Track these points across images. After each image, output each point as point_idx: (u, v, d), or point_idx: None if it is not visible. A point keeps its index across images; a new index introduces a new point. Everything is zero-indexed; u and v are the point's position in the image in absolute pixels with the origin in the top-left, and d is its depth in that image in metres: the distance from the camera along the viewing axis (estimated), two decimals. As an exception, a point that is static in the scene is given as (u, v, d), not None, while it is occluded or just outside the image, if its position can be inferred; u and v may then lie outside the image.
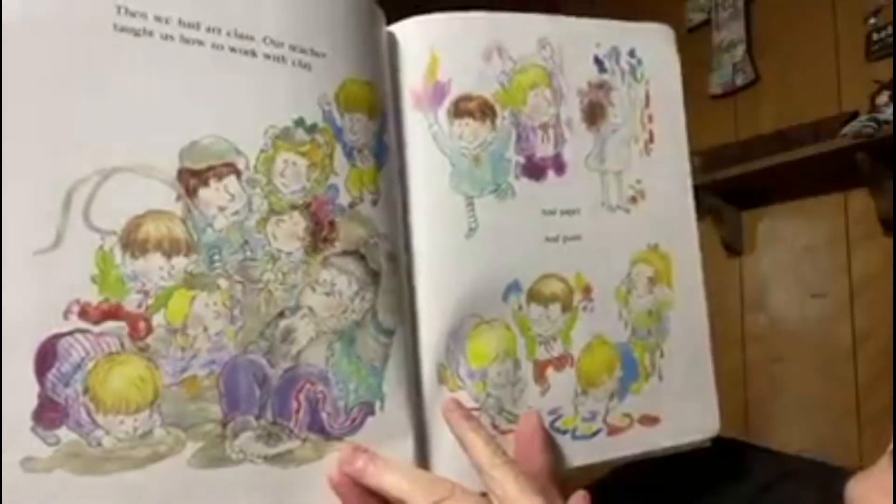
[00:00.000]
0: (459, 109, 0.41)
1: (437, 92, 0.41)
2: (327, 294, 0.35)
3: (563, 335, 0.42)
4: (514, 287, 0.41)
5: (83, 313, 0.30)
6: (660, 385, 0.44)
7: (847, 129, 1.51)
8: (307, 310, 0.35)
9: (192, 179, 0.32)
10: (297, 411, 0.34)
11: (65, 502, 0.29)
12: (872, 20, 1.61)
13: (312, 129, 0.36)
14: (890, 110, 1.47)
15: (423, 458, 0.38)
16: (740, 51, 1.89)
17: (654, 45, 0.48)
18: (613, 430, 0.43)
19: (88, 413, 0.30)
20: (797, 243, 1.78)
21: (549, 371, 0.42)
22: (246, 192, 0.34)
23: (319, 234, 0.35)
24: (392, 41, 0.42)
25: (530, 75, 0.43)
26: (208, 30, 0.33)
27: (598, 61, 0.45)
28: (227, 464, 0.32)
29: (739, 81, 1.89)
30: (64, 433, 0.29)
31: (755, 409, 1.83)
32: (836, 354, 1.65)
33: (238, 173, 0.34)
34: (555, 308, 0.42)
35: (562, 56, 0.44)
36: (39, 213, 0.30)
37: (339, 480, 0.35)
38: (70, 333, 0.30)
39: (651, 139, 0.46)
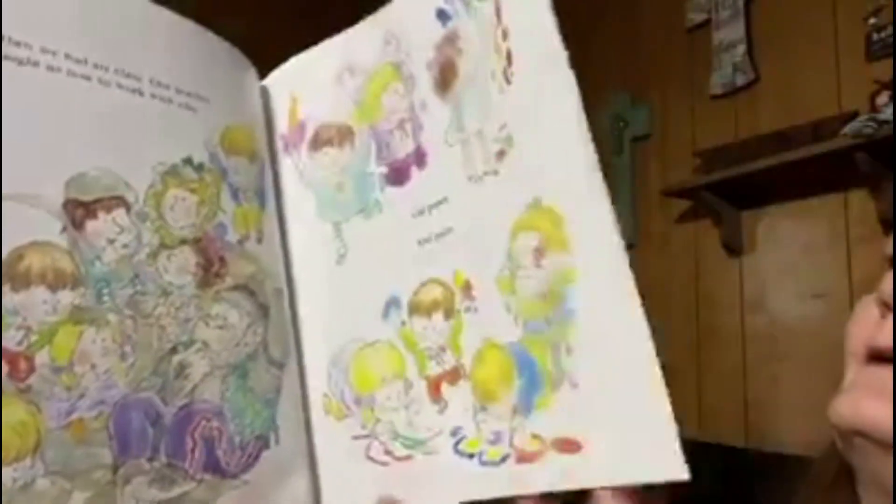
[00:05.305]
0: (318, 141, 0.41)
1: (299, 132, 0.42)
2: (220, 327, 0.35)
3: (451, 344, 0.36)
4: (393, 303, 0.38)
5: None
6: (573, 395, 0.31)
7: (847, 129, 1.51)
8: (201, 344, 0.34)
9: (78, 210, 0.32)
10: (193, 450, 0.33)
11: None
12: (872, 20, 1.61)
13: (200, 168, 0.36)
14: (890, 110, 1.48)
15: (316, 492, 0.38)
16: (740, 51, 1.89)
17: None
18: (523, 457, 0.33)
19: (-39, 467, 0.28)
20: (797, 243, 1.78)
21: (444, 386, 0.36)
22: (136, 226, 0.33)
23: (210, 269, 0.36)
24: (265, 93, 0.43)
25: (381, 78, 0.40)
26: (95, 66, 0.34)
27: (440, 14, 0.37)
28: None
29: (739, 81, 1.89)
30: None
31: (755, 409, 1.83)
32: (836, 354, 1.64)
33: (127, 206, 0.33)
34: (438, 316, 0.37)
35: (406, 38, 0.39)
36: None
37: None
38: None
39: (510, 61, 0.34)
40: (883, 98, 1.54)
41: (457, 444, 0.35)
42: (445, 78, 0.37)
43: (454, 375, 0.36)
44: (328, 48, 0.42)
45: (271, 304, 0.38)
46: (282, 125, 0.43)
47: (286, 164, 0.42)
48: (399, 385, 0.37)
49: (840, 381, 0.36)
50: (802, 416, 1.68)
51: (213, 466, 0.34)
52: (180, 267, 0.35)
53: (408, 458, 0.37)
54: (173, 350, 0.33)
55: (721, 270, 1.93)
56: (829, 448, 0.39)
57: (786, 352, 1.77)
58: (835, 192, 1.70)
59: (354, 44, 0.41)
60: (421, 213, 0.38)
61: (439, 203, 0.37)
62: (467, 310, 0.36)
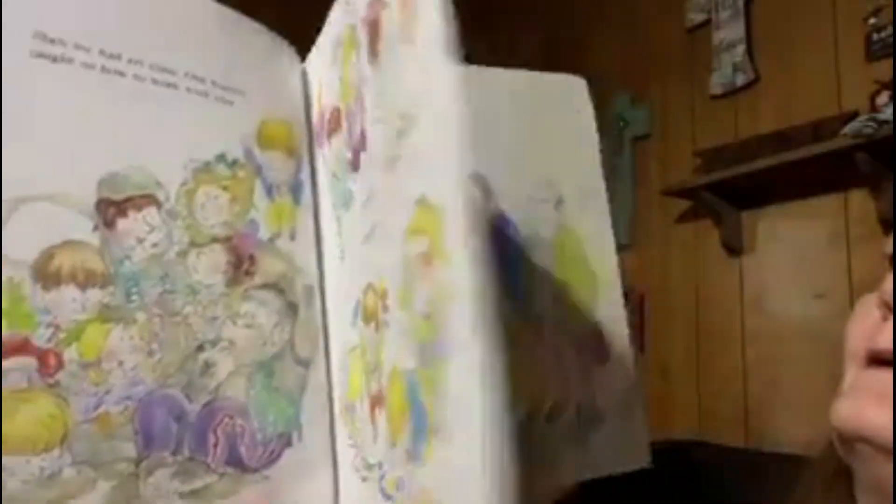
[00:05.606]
0: (329, 129, 0.38)
1: (321, 120, 0.39)
2: (248, 326, 0.35)
3: (378, 362, 0.30)
4: (357, 307, 0.34)
5: None
6: (444, 451, 0.24)
7: (847, 129, 1.51)
8: (227, 342, 0.34)
9: (110, 209, 0.32)
10: (215, 445, 0.33)
11: None
12: (872, 20, 1.61)
13: (234, 164, 0.36)
14: (890, 110, 1.47)
15: (338, 490, 0.37)
16: (740, 51, 1.89)
17: None
18: None
19: (-9, 457, 0.29)
20: (797, 243, 1.78)
21: (376, 411, 0.31)
22: (166, 224, 0.33)
23: (241, 267, 0.35)
24: (305, 78, 0.41)
25: (346, 46, 0.34)
26: (130, 61, 0.33)
27: None
28: (139, 502, 0.31)
29: (739, 81, 1.89)
30: None
31: (755, 409, 1.83)
32: (836, 355, 1.64)
33: (158, 205, 0.33)
34: (372, 326, 0.31)
35: None
36: None
37: None
38: None
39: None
40: (883, 98, 1.54)
41: (382, 478, 0.30)
42: (372, 40, 0.30)
43: (378, 399, 0.30)
44: (327, 28, 0.37)
45: (300, 301, 0.37)
46: (314, 114, 0.40)
47: (318, 156, 0.40)
48: (358, 398, 0.34)
49: (840, 382, 0.36)
50: (802, 416, 1.68)
51: (235, 461, 0.34)
52: (210, 265, 0.34)
53: (365, 479, 0.33)
54: (200, 348, 0.33)
55: (721, 270, 1.93)
56: (827, 449, 0.38)
57: (786, 352, 1.77)
58: (835, 192, 1.70)
59: (336, 9, 0.36)
60: (365, 205, 0.32)
61: (373, 195, 0.31)
62: (385, 324, 0.29)
